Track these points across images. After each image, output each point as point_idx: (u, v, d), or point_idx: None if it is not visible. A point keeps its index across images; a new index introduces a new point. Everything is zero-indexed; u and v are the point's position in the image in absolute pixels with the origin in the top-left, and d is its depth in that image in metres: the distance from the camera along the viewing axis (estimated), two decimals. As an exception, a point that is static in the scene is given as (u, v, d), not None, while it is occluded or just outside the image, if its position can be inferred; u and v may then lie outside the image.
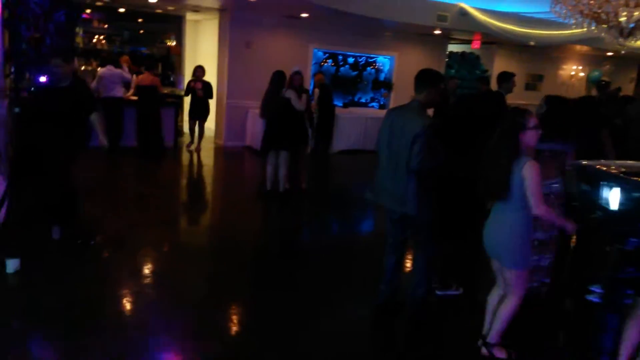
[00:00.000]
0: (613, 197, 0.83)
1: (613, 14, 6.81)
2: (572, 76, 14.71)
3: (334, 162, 10.26)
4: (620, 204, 0.83)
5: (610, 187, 0.83)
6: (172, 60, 11.83)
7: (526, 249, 3.12)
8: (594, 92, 11.88)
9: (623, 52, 12.30)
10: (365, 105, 12.23)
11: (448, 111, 6.64)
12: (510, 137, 3.04)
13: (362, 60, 12.04)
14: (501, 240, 3.12)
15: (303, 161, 7.62)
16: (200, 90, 8.94)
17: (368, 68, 12.17)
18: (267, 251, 5.23)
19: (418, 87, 3.61)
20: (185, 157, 9.33)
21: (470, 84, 11.57)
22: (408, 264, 4.52)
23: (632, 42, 8.67)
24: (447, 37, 12.10)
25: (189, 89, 9.06)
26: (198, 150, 9.43)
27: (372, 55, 12.05)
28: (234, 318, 3.82)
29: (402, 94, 11.69)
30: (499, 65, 12.74)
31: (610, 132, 5.25)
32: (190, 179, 8.37)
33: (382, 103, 12.26)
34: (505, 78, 6.11)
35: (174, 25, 11.65)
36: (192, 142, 9.45)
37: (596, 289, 0.97)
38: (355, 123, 10.94)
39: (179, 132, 10.12)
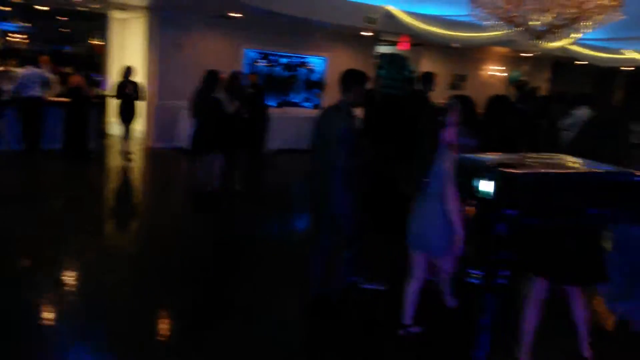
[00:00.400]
0: (482, 187, 0.94)
1: (526, 18, 7.31)
2: (492, 76, 15.56)
3: (268, 162, 10.29)
4: (487, 193, 0.94)
5: (479, 178, 0.94)
6: (96, 60, 11.41)
7: (453, 235, 3.31)
8: (512, 91, 12.64)
9: (537, 52, 13.17)
10: (298, 105, 12.34)
11: (376, 111, 6.91)
12: (432, 133, 3.24)
13: (296, 60, 12.15)
14: (432, 231, 3.30)
15: (236, 162, 7.59)
16: (132, 92, 8.64)
17: (301, 68, 12.30)
18: (199, 254, 5.15)
19: (343, 88, 3.71)
20: (112, 159, 9.02)
21: (399, 83, 11.95)
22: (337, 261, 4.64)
23: (544, 44, 9.31)
24: (376, 39, 12.44)
25: (122, 92, 8.62)
26: (127, 152, 9.13)
27: (304, 56, 12.18)
28: (166, 322, 3.77)
29: (335, 94, 11.87)
30: (425, 65, 13.24)
31: (534, 132, 5.61)
32: (118, 182, 8.11)
33: (315, 103, 12.42)
34: (428, 78, 6.40)
35: (99, 23, 11.24)
36: (124, 145, 9.06)
37: (475, 271, 1.08)
38: (289, 123, 11.01)
39: (102, 134, 9.77)
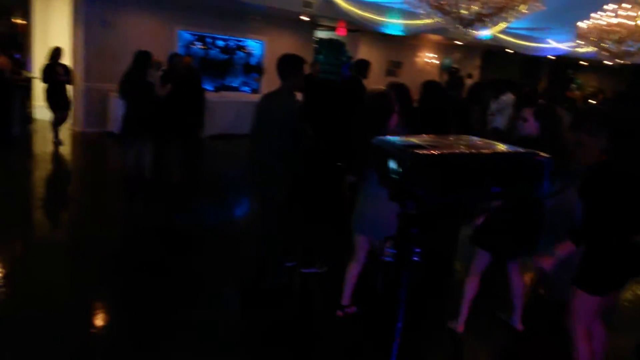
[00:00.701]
0: (392, 166, 1.00)
1: (455, 6, 7.58)
2: (427, 63, 16.01)
3: (206, 148, 10.12)
4: (396, 172, 1.00)
5: (391, 159, 1.00)
6: (19, 40, 10.72)
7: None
8: (445, 78, 13.08)
9: (468, 40, 13.65)
10: (236, 89, 12.19)
11: (315, 95, 6.97)
12: (378, 119, 3.31)
13: (233, 43, 11.95)
14: (378, 215, 3.30)
15: (171, 148, 7.40)
16: (63, 75, 8.13)
17: (238, 52, 12.12)
18: (130, 244, 4.97)
19: (282, 73, 3.68)
20: (38, 146, 8.56)
21: (337, 69, 12.10)
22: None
23: (473, 32, 9.65)
24: (314, 24, 12.46)
25: (51, 75, 7.99)
26: (56, 138, 8.64)
27: (242, 39, 12.02)
28: (99, 315, 3.67)
29: (274, 78, 11.81)
30: (363, 52, 13.44)
31: (466, 117, 5.85)
32: (45, 169, 7.71)
33: (253, 87, 12.31)
34: (362, 66, 6.51)
35: (21, 1, 10.55)
36: (52, 131, 8.39)
37: (389, 249, 1.13)
38: (227, 107, 10.87)
39: (28, 119, 9.23)
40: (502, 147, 1.28)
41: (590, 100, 14.46)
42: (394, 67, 14.92)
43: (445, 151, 1.12)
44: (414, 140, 1.21)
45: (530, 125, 3.29)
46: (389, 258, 1.27)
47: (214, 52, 11.70)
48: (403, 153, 1.10)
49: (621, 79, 20.67)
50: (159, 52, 7.77)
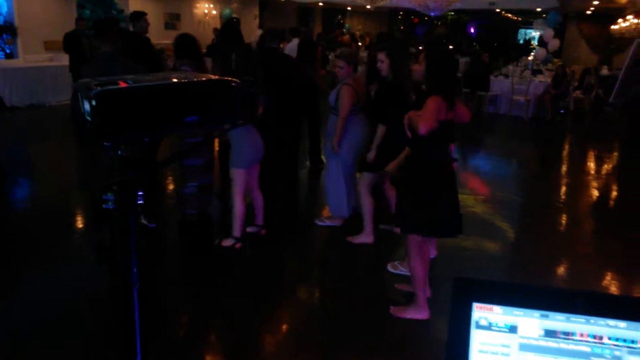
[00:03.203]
0: (85, 108, 0.92)
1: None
2: (206, 14, 15.59)
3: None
4: (89, 114, 0.92)
5: (83, 100, 0.91)
6: None
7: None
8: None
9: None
10: (-15, 55, 10.26)
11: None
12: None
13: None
14: (239, 146, 3.75)
15: None
16: None
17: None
18: None
19: (104, 37, 3.77)
20: None
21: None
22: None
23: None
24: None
25: None
26: None
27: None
28: None
29: (32, 38, 10.24)
30: (134, 4, 12.41)
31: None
32: None
33: (8, 52, 10.50)
34: (137, 17, 5.98)
35: None
36: None
37: (109, 197, 1.04)
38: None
39: None
40: (206, 76, 1.21)
41: (359, 43, 15.90)
42: (172, 20, 14.17)
43: (132, 85, 1.04)
44: (112, 78, 1.09)
45: (386, 66, 3.69)
46: (108, 205, 1.12)
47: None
48: (89, 91, 0.99)
49: (382, 21, 23.14)
50: None
